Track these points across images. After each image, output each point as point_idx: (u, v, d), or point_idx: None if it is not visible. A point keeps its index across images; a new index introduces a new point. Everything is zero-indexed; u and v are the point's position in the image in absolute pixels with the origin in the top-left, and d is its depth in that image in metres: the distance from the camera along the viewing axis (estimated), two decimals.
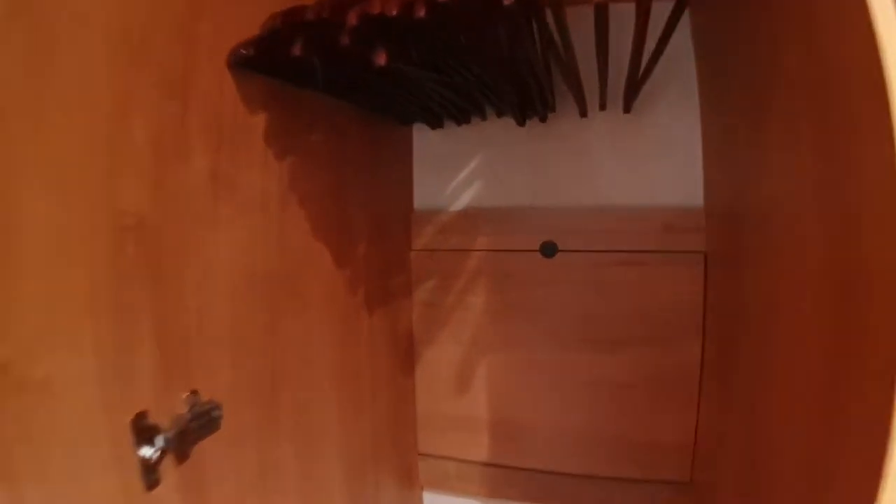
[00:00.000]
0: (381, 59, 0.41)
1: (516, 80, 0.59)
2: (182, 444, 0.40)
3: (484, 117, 0.82)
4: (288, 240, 0.56)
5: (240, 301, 0.49)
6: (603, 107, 0.76)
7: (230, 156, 0.47)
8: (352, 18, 0.38)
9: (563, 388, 0.83)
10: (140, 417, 0.37)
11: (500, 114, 0.80)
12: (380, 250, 0.78)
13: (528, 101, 0.71)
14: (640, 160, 0.80)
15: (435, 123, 0.85)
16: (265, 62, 0.48)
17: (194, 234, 0.43)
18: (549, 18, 0.44)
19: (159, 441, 0.38)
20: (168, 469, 0.39)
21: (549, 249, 0.81)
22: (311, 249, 0.60)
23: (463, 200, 0.90)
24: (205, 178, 0.44)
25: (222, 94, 0.46)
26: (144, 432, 0.37)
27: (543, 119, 0.81)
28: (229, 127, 0.47)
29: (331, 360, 0.64)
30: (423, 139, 0.90)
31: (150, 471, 0.37)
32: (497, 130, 0.85)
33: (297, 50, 0.42)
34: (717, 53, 0.63)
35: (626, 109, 0.77)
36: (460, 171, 0.89)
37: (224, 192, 0.47)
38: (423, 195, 0.91)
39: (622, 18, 0.53)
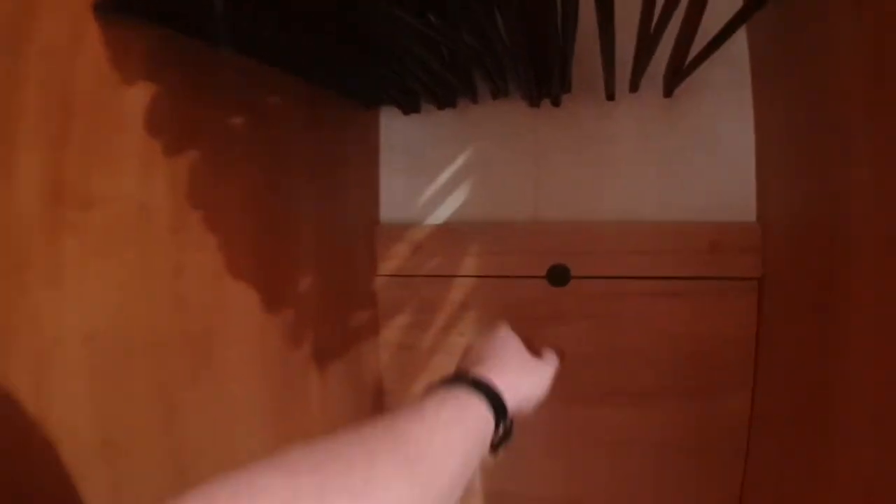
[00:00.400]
0: None
1: (534, 35, 0.53)
2: None
3: (475, 98, 0.77)
4: (188, 281, 0.50)
5: (108, 389, 0.42)
6: (634, 87, 0.70)
7: (85, 152, 0.40)
8: None
9: (577, 450, 0.80)
10: None
11: (496, 94, 0.74)
12: (334, 279, 0.74)
13: (546, 74, 0.64)
14: (679, 159, 0.75)
15: (409, 106, 0.81)
16: (150, 3, 0.42)
17: (15, 293, 0.36)
18: None
19: None
20: None
21: (559, 276, 0.78)
22: (227, 290, 0.55)
23: (445, 210, 0.86)
24: (35, 194, 0.37)
25: (79, 52, 0.40)
26: None
27: (557, 102, 0.75)
28: (87, 106, 0.40)
29: (265, 445, 0.59)
30: (394, 128, 0.87)
31: None
32: (492, 116, 0.81)
33: None
34: (807, 19, 0.59)
35: (668, 93, 0.71)
36: (441, 171, 0.85)
37: (72, 215, 0.39)
38: (393, 203, 0.88)
39: None
